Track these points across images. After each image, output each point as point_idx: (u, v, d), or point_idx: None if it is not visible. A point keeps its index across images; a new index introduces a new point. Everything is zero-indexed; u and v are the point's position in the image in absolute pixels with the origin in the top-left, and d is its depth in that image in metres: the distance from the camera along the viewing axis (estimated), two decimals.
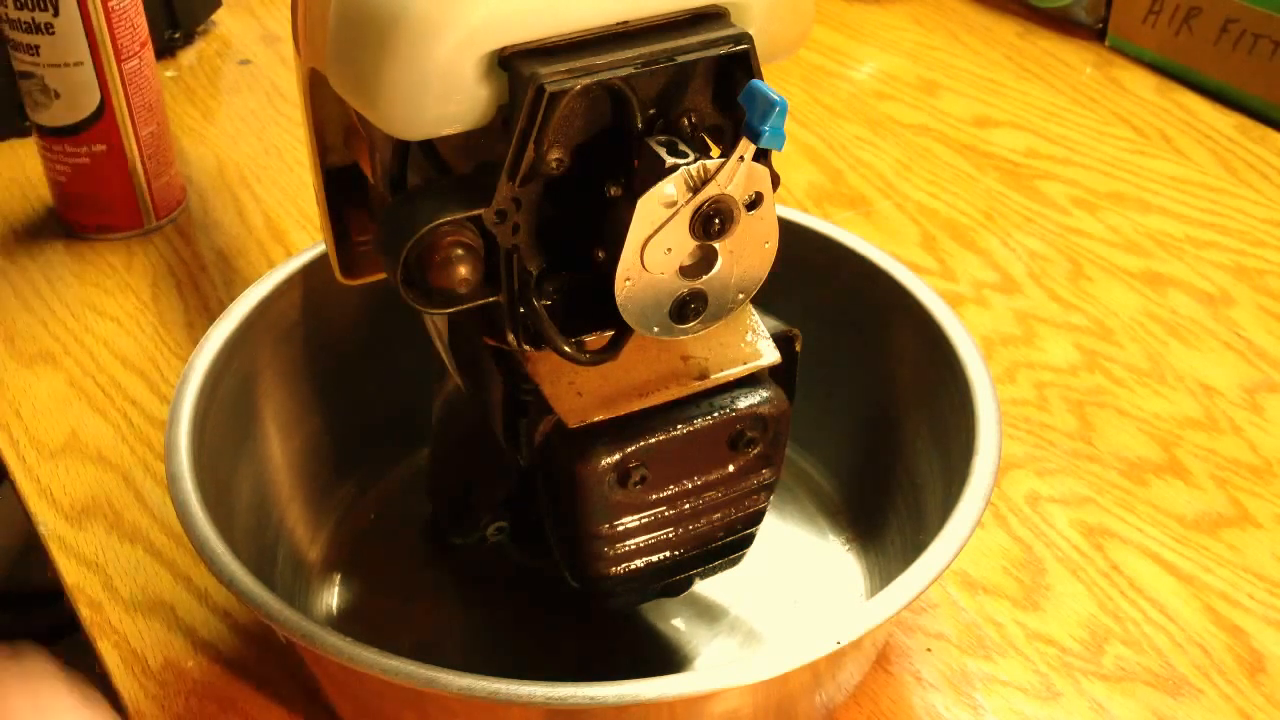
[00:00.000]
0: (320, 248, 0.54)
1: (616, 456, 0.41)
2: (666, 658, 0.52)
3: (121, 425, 0.62)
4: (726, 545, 0.46)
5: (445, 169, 0.41)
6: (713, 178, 0.36)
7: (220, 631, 0.52)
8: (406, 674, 0.39)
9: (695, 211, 0.36)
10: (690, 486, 0.43)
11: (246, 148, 0.83)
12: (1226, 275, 0.73)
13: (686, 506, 0.44)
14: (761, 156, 0.37)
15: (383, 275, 0.46)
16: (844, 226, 0.57)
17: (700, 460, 0.43)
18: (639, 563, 0.44)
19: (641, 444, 0.41)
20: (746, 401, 0.43)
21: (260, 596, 0.42)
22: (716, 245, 0.38)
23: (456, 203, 0.37)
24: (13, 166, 0.81)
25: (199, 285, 0.71)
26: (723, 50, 0.36)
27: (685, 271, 0.38)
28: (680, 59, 0.36)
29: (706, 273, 0.38)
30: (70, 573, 0.55)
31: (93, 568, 0.55)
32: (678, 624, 0.53)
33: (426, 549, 0.56)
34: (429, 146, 0.41)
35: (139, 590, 0.54)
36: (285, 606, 0.42)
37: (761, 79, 0.36)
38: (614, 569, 0.44)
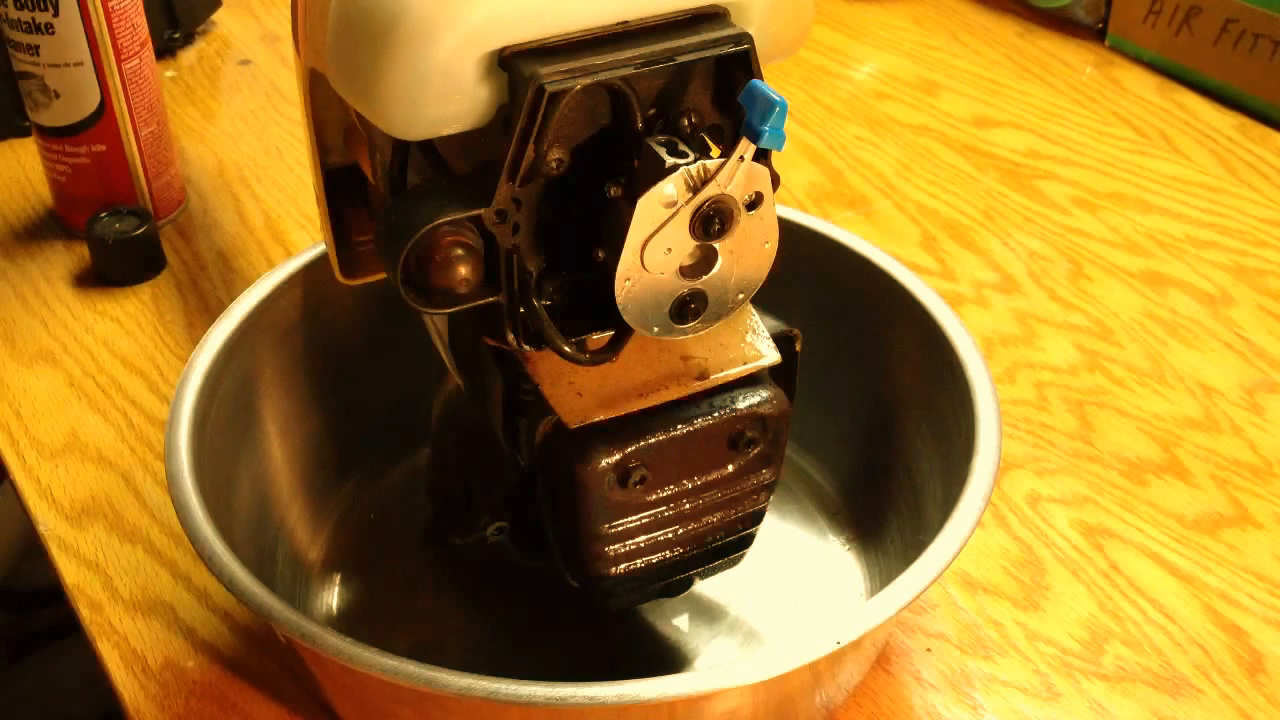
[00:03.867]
0: (320, 248, 0.54)
1: (616, 457, 0.41)
2: (666, 658, 0.52)
3: (121, 425, 0.62)
4: (726, 545, 0.46)
5: (445, 169, 0.41)
6: (713, 178, 0.36)
7: (220, 631, 0.52)
8: (406, 674, 0.39)
9: (695, 211, 0.36)
10: (690, 486, 0.43)
11: (246, 148, 0.83)
12: (1226, 275, 0.73)
13: (686, 506, 0.44)
14: (761, 156, 0.37)
15: (383, 275, 0.46)
16: (844, 226, 0.57)
17: (700, 460, 0.43)
18: (639, 563, 0.44)
19: (641, 444, 0.41)
20: (746, 401, 0.43)
21: (260, 596, 0.42)
22: (716, 245, 0.38)
23: (456, 203, 0.37)
24: (13, 166, 0.81)
25: (199, 285, 0.71)
26: (723, 50, 0.36)
27: (685, 271, 0.38)
28: (680, 59, 0.36)
29: (706, 273, 0.38)
30: (70, 573, 0.55)
31: (93, 568, 0.55)
32: (678, 624, 0.53)
33: (426, 549, 0.56)
34: (429, 146, 0.41)
35: (139, 590, 0.54)
36: (285, 606, 0.42)
37: (761, 79, 0.36)
38: (614, 569, 0.44)
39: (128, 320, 0.69)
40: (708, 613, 0.54)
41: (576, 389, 0.41)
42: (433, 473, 0.55)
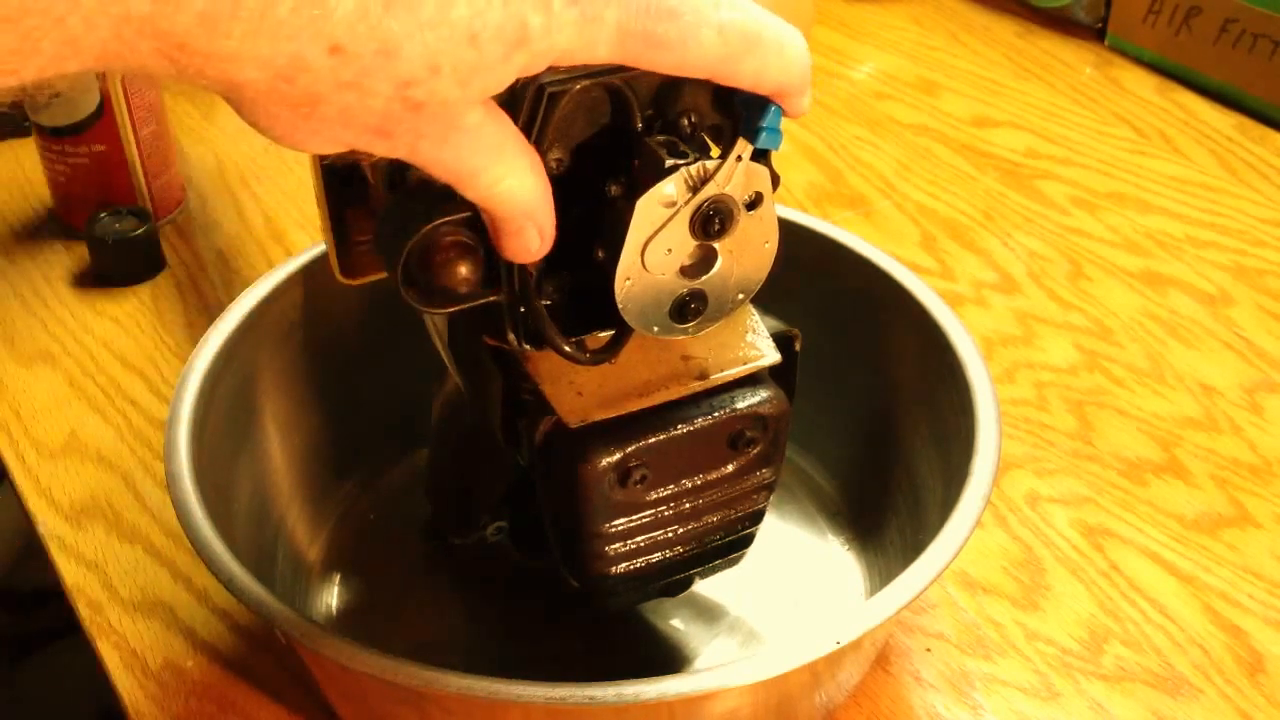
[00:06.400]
0: (320, 248, 0.54)
1: (617, 456, 0.41)
2: (666, 658, 0.52)
3: (121, 425, 0.62)
4: (726, 545, 0.46)
5: None
6: (712, 177, 0.36)
7: (220, 631, 0.52)
8: (406, 674, 0.39)
9: (695, 211, 0.36)
10: (690, 486, 0.43)
11: (246, 148, 0.83)
12: (1226, 275, 0.73)
13: (686, 506, 0.44)
14: (761, 156, 0.37)
15: (383, 275, 0.46)
16: (844, 226, 0.57)
17: (700, 460, 0.43)
18: (639, 562, 0.44)
19: (642, 444, 0.41)
20: (746, 401, 0.43)
21: (260, 596, 0.42)
22: (716, 245, 0.38)
23: (456, 202, 0.37)
24: (13, 166, 0.81)
25: (199, 285, 0.71)
26: None
27: (685, 271, 0.38)
28: None
29: (706, 272, 0.38)
30: (70, 573, 0.55)
31: (93, 568, 0.55)
32: (678, 624, 0.53)
33: (426, 549, 0.56)
34: None
35: (139, 590, 0.54)
36: (285, 606, 0.42)
37: None
38: (614, 568, 0.44)
39: (127, 320, 0.69)
40: (708, 613, 0.54)
41: (576, 388, 0.41)
42: (432, 473, 0.55)
